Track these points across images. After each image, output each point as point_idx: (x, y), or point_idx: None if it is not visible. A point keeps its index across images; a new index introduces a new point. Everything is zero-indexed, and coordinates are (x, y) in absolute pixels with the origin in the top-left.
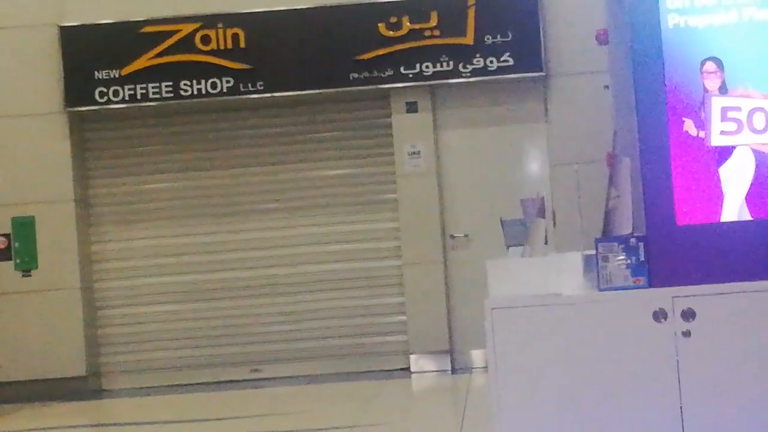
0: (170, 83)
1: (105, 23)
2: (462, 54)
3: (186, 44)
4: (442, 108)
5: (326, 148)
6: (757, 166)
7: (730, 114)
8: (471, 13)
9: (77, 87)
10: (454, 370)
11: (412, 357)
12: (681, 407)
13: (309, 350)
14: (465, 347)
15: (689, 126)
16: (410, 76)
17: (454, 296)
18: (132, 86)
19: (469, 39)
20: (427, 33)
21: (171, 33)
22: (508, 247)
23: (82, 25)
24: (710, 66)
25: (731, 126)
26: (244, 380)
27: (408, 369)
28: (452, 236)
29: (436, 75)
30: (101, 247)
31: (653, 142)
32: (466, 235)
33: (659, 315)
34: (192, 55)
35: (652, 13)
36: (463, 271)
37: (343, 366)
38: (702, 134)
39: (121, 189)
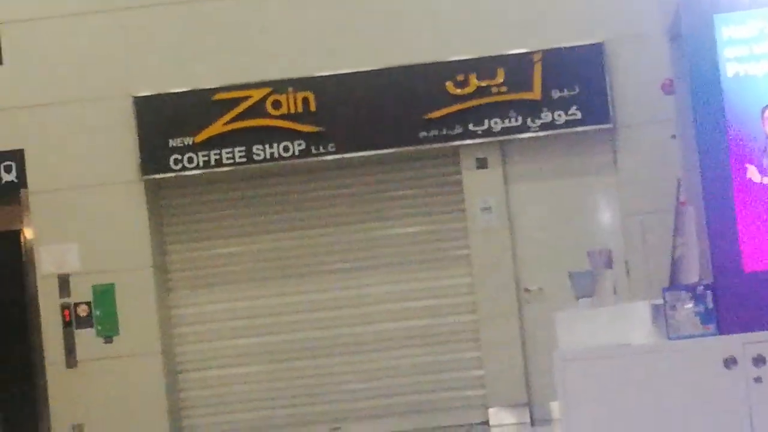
0: (243, 148)
1: (177, 92)
2: (530, 109)
3: (257, 109)
4: (512, 163)
5: (398, 206)
6: None
7: None
8: (537, 68)
9: (152, 155)
10: (533, 423)
11: (491, 411)
12: None
13: (388, 407)
14: (544, 399)
15: (752, 172)
16: (479, 132)
17: (531, 348)
18: (206, 152)
19: (536, 94)
20: (495, 89)
21: (242, 99)
22: (577, 298)
23: (155, 95)
24: None
25: None
26: None
27: (487, 423)
28: (526, 289)
29: (504, 131)
30: (180, 311)
31: (716, 190)
32: (540, 288)
33: (730, 362)
34: (263, 119)
35: (712, 63)
36: (539, 323)
37: (423, 422)
38: (766, 180)
39: (198, 254)
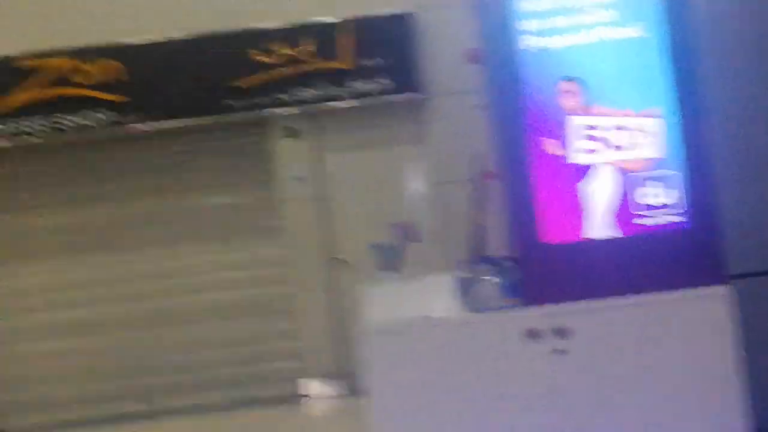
0: (49, 118)
1: None
2: (340, 78)
3: (64, 78)
4: (323, 133)
5: (208, 177)
6: (621, 183)
7: (590, 132)
8: (348, 37)
9: None
10: (353, 393)
11: (306, 382)
12: (558, 426)
13: (203, 380)
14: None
15: (549, 145)
16: (288, 102)
17: (344, 319)
18: (10, 122)
19: (346, 63)
20: (304, 58)
21: (48, 67)
22: (380, 271)
23: None
24: (566, 85)
25: (591, 144)
26: (138, 413)
27: (305, 395)
28: (335, 258)
29: (315, 99)
30: None
31: (514, 163)
32: (349, 259)
33: (533, 334)
34: (70, 89)
35: (507, 35)
36: (350, 295)
37: (238, 394)
38: (562, 153)
39: (5, 226)
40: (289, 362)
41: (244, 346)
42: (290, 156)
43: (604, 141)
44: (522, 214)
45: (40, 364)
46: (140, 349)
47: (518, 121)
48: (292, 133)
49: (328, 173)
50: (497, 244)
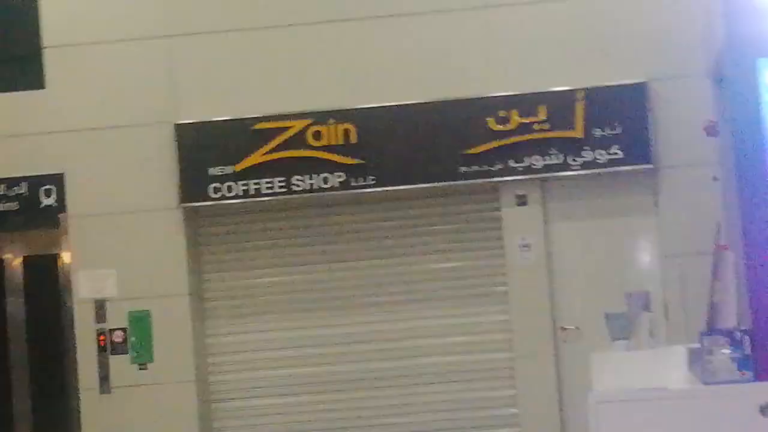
0: (283, 178)
1: (219, 120)
2: (571, 147)
3: (298, 140)
4: (552, 201)
5: (436, 241)
6: None
7: None
8: (580, 106)
9: (192, 183)
10: None
11: None
12: None
13: None
14: None
15: None
16: (519, 169)
17: (567, 388)
18: (245, 182)
19: (578, 132)
20: (536, 126)
21: (283, 129)
22: (613, 340)
23: (197, 123)
24: None
25: None
26: None
27: None
28: (562, 328)
29: (545, 168)
30: (216, 340)
31: (757, 236)
32: (577, 328)
33: (766, 409)
34: (304, 150)
35: (754, 107)
36: (575, 364)
37: None
38: None
39: (235, 283)
40: (510, 430)
41: (464, 411)
42: (518, 223)
43: None
44: (759, 287)
45: (259, 420)
46: (359, 410)
47: (762, 194)
48: (522, 201)
49: (556, 241)
50: (733, 316)
